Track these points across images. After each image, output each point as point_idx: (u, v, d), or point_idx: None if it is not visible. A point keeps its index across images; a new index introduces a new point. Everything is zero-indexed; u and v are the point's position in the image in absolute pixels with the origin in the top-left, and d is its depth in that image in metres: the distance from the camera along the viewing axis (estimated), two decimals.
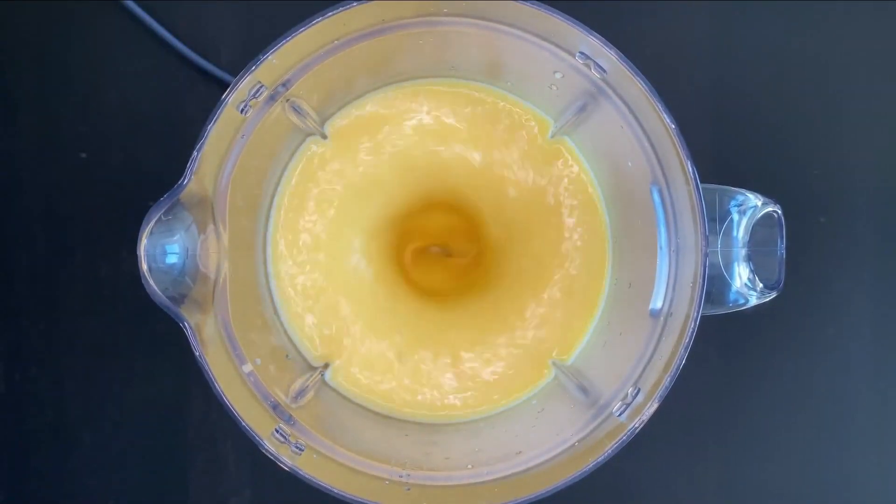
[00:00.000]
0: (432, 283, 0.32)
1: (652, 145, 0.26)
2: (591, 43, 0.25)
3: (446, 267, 0.33)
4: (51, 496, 0.35)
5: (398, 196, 0.30)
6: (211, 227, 0.26)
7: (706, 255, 0.25)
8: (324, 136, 0.29)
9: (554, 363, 0.29)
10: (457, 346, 0.30)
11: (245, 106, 0.26)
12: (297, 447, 0.26)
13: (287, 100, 0.27)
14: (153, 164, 0.35)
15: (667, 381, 0.25)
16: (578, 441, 0.26)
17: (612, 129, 0.27)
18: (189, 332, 0.25)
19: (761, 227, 0.27)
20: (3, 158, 0.35)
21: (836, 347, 0.35)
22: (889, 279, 0.35)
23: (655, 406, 0.25)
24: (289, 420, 0.27)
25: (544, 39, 0.26)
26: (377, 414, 0.30)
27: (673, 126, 0.25)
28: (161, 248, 0.25)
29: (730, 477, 0.36)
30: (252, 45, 0.34)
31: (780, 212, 0.27)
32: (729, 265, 0.27)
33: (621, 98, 0.26)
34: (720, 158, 0.35)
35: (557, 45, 0.26)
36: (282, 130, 0.28)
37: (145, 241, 0.24)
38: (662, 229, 0.26)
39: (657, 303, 0.27)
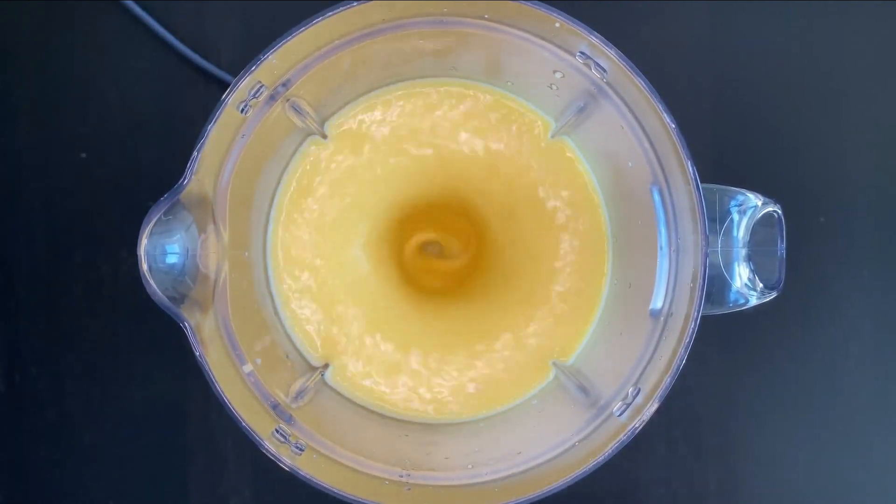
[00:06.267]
0: (432, 283, 0.32)
1: (652, 145, 0.26)
2: (591, 43, 0.25)
3: (446, 267, 0.33)
4: (51, 496, 0.35)
5: (398, 196, 0.30)
6: (211, 227, 0.26)
7: (706, 254, 0.25)
8: (324, 136, 0.29)
9: (554, 363, 0.29)
10: (457, 347, 0.30)
11: (245, 106, 0.26)
12: (297, 447, 0.26)
13: (287, 100, 0.27)
14: (153, 164, 0.35)
15: (667, 382, 0.25)
16: (578, 441, 0.26)
17: (612, 129, 0.27)
18: (189, 332, 0.25)
19: (761, 227, 0.27)
20: (3, 158, 0.35)
21: (836, 347, 0.35)
22: (888, 279, 0.35)
23: (655, 406, 0.25)
24: (289, 420, 0.27)
25: (544, 39, 0.26)
26: (377, 414, 0.30)
27: (673, 126, 0.25)
28: (161, 248, 0.25)
29: (730, 477, 0.36)
30: (252, 45, 0.34)
31: (780, 212, 0.27)
32: (729, 265, 0.27)
33: (621, 98, 0.26)
34: (720, 158, 0.35)
35: (557, 45, 0.26)
36: (282, 130, 0.28)
37: (145, 241, 0.24)
38: (662, 229, 0.26)
39: (657, 303, 0.27)
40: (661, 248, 0.27)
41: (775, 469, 0.36)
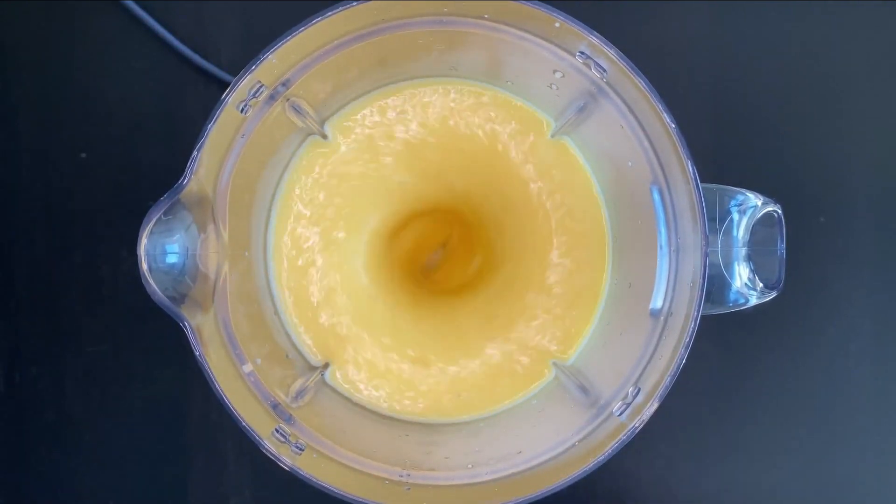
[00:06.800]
0: (432, 283, 0.32)
1: (652, 145, 0.26)
2: (591, 43, 0.25)
3: (446, 266, 0.33)
4: (51, 496, 0.35)
5: (398, 196, 0.30)
6: (211, 226, 0.26)
7: (706, 254, 0.25)
8: (324, 136, 0.29)
9: (554, 363, 0.29)
10: (457, 347, 0.30)
11: (245, 106, 0.26)
12: (297, 447, 0.26)
13: (287, 99, 0.27)
14: (153, 164, 0.35)
15: (667, 381, 0.25)
16: (578, 441, 0.26)
17: (612, 129, 0.27)
18: (189, 332, 0.25)
19: (761, 227, 0.27)
20: (3, 158, 0.35)
21: (836, 347, 0.35)
22: (888, 278, 0.35)
23: (655, 406, 0.25)
24: (289, 420, 0.27)
25: (544, 39, 0.26)
26: (377, 414, 0.30)
27: (673, 126, 0.25)
28: (161, 248, 0.25)
29: (730, 477, 0.36)
30: (252, 45, 0.34)
31: (780, 212, 0.27)
32: (729, 265, 0.27)
33: (621, 98, 0.26)
34: (720, 158, 0.35)
35: (557, 45, 0.26)
36: (282, 130, 0.28)
37: (145, 241, 0.24)
38: (662, 229, 0.26)
39: (657, 302, 0.27)
40: (661, 247, 0.27)
41: (775, 469, 0.36)
